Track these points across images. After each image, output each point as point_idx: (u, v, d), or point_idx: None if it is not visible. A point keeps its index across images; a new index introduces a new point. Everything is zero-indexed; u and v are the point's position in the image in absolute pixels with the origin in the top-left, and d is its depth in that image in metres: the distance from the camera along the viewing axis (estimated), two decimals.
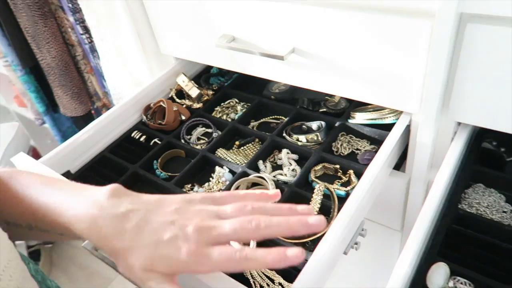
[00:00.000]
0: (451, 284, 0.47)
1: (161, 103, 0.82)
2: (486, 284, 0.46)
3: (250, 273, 0.54)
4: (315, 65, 0.65)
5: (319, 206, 0.59)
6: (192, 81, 0.87)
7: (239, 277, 0.50)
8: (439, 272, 0.47)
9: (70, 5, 1.08)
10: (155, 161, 0.74)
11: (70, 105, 1.32)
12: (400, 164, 0.72)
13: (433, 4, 0.49)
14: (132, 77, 1.09)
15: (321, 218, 0.38)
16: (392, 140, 0.62)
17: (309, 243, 0.56)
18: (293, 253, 0.35)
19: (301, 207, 0.41)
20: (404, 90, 0.59)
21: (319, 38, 0.62)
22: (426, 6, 0.50)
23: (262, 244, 0.54)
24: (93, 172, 0.75)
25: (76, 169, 0.74)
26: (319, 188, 0.59)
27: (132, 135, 0.81)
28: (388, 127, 0.66)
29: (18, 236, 0.47)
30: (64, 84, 1.26)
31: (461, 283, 0.46)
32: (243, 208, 0.39)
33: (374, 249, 0.85)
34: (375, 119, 0.69)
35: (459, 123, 0.63)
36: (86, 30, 1.12)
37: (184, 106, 0.86)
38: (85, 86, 1.33)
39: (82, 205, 0.40)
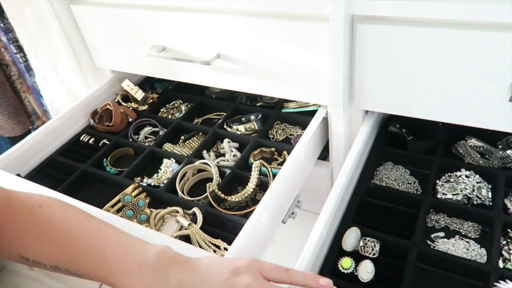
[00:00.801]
0: (361, 243, 0.55)
1: (108, 106, 0.86)
2: (389, 240, 0.55)
3: (198, 243, 0.59)
4: (239, 68, 0.72)
5: (256, 181, 0.66)
6: (137, 86, 0.92)
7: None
8: (352, 235, 0.55)
9: (1, 24, 1.09)
10: (104, 159, 0.78)
11: (8, 125, 1.30)
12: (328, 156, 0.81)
13: (325, 9, 0.57)
14: (69, 92, 1.10)
15: None
16: (313, 124, 0.71)
17: None
18: None
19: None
20: (316, 86, 0.67)
21: (240, 44, 0.69)
22: (320, 11, 0.58)
23: None
24: (43, 175, 0.77)
25: (26, 173, 0.76)
26: (256, 165, 0.67)
27: (81, 138, 0.85)
28: None
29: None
30: (0, 105, 1.25)
31: (369, 241, 0.55)
32: None
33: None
34: (301, 106, 0.79)
35: (366, 111, 0.72)
36: (20, 49, 1.12)
37: (131, 108, 0.91)
38: (23, 105, 1.31)
39: (132, 267, 0.41)
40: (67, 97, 1.12)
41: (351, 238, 0.55)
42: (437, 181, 0.64)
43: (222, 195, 0.65)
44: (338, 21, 0.56)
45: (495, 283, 0.49)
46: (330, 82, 0.65)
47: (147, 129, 0.87)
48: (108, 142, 0.83)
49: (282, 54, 0.66)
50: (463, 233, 0.58)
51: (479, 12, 0.47)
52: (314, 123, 0.71)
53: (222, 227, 0.62)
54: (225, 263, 0.41)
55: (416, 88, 0.59)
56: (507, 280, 0.49)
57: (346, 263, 0.52)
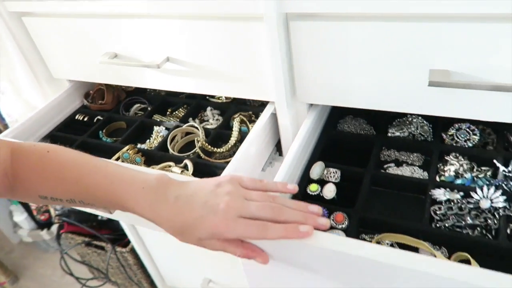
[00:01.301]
0: (325, 172, 0.66)
1: (100, 87, 0.95)
2: (348, 169, 0.67)
3: None
4: (188, 70, 0.74)
5: (237, 135, 0.77)
6: None
7: None
8: (317, 166, 0.66)
9: None
10: (100, 131, 0.88)
11: None
12: None
13: (258, 9, 0.59)
14: (27, 104, 1.10)
15: (311, 228, 0.46)
16: (262, 120, 0.73)
17: None
18: (305, 230, 0.46)
19: (312, 207, 0.50)
20: (262, 83, 0.69)
21: (186, 47, 0.71)
22: (254, 11, 0.60)
23: None
24: None
25: None
26: (237, 120, 0.78)
27: (76, 117, 0.94)
28: None
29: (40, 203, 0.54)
30: None
31: (331, 171, 0.66)
32: (265, 197, 0.50)
33: None
34: None
35: (311, 105, 0.74)
36: None
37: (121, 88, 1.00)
38: None
39: (138, 191, 0.49)
40: (25, 109, 1.12)
41: (317, 169, 0.66)
42: (389, 126, 0.76)
43: (209, 147, 0.75)
44: (272, 20, 0.59)
45: (431, 190, 0.61)
46: (272, 79, 0.67)
47: (136, 106, 0.97)
48: (101, 118, 0.92)
49: (225, 54, 0.68)
50: (409, 163, 0.70)
51: (398, 5, 0.52)
52: (263, 119, 0.74)
53: (212, 176, 0.72)
54: (210, 180, 0.51)
55: (348, 79, 0.62)
56: (440, 187, 0.61)
57: (313, 187, 0.63)
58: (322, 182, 0.65)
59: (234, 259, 0.93)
